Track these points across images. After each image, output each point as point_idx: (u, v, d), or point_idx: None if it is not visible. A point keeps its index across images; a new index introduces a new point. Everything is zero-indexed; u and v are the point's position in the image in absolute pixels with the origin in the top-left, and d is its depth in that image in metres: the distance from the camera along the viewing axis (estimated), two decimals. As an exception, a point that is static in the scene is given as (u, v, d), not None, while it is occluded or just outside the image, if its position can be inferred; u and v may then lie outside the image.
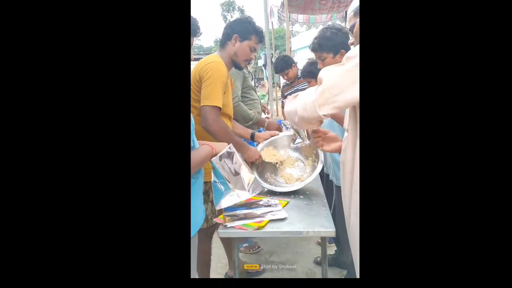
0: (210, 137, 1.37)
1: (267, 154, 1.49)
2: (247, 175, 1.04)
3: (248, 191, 1.02)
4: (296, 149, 1.51)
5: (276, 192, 1.36)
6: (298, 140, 1.12)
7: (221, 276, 1.90)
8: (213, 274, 1.86)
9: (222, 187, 1.01)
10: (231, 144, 1.04)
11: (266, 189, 1.33)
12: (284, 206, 1.22)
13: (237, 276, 1.28)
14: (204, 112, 1.29)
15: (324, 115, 0.71)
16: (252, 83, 2.09)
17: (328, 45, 1.42)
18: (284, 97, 2.99)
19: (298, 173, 1.57)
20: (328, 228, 1.02)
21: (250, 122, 1.83)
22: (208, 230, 1.47)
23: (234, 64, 1.46)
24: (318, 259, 1.97)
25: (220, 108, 1.32)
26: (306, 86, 2.69)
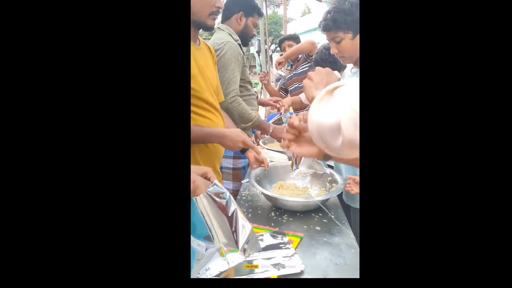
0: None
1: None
2: (243, 225, 0.67)
3: (241, 251, 0.65)
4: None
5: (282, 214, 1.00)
6: (304, 168, 0.77)
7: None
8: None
9: (203, 247, 0.64)
10: (215, 181, 0.67)
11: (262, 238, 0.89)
12: (297, 245, 0.86)
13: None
14: None
15: None
16: (249, 73, 1.67)
17: (347, 22, 1.03)
18: (285, 90, 2.49)
19: (303, 184, 1.21)
20: (367, 291, 0.67)
21: (249, 123, 1.40)
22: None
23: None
24: None
25: None
26: (306, 69, 2.25)
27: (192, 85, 0.99)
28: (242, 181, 1.41)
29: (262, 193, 1.06)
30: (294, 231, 0.92)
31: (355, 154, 0.44)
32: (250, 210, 1.08)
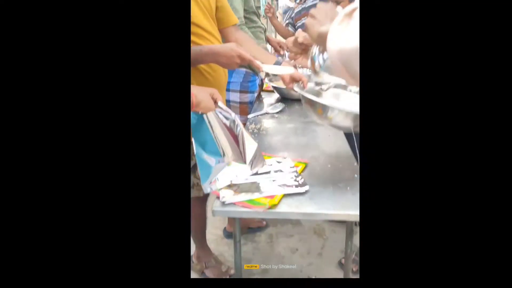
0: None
1: None
2: (250, 143, 0.68)
3: (249, 165, 0.68)
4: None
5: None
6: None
7: (220, 231, 1.68)
8: (211, 229, 1.64)
9: (212, 160, 0.67)
10: (219, 102, 0.66)
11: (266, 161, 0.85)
12: (302, 170, 0.89)
13: (237, 234, 0.98)
14: None
15: None
16: (254, 5, 1.56)
17: None
18: (293, 26, 2.31)
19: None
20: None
21: None
22: (203, 197, 1.17)
23: None
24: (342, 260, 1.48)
25: None
26: (316, 2, 2.08)
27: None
28: (249, 116, 1.41)
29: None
30: (298, 159, 0.95)
31: None
32: (257, 141, 1.10)
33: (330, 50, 0.42)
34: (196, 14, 0.98)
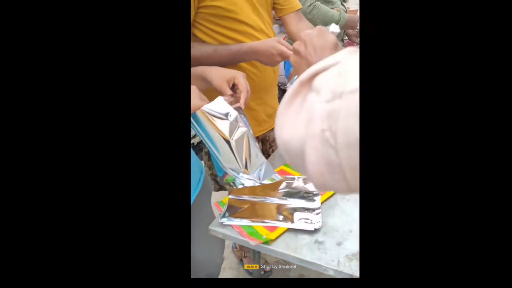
0: None
1: None
2: (258, 155, 0.56)
3: (254, 176, 0.57)
4: None
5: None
6: None
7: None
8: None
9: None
10: (219, 97, 0.56)
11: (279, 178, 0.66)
12: (325, 200, 0.73)
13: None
14: None
15: None
16: None
17: None
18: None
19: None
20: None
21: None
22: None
23: None
24: None
25: None
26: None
27: (220, 3, 0.80)
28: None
29: None
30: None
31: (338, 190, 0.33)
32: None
33: (277, 136, 0.32)
34: (244, 9, 0.86)
